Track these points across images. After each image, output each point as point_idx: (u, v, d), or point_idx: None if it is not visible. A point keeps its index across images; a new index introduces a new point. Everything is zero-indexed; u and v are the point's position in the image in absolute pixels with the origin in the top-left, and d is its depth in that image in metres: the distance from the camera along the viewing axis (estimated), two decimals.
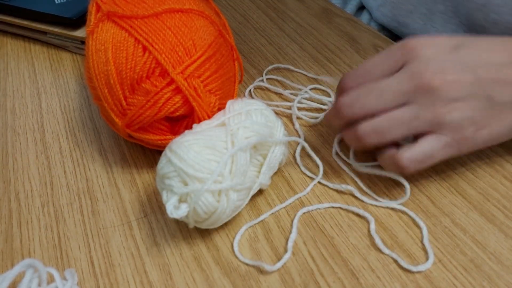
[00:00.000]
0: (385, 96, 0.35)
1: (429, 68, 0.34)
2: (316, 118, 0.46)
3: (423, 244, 0.35)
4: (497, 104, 0.35)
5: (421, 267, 0.33)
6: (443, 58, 0.35)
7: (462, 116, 0.35)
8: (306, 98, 0.49)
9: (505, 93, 0.35)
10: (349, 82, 0.38)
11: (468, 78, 0.35)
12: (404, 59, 0.36)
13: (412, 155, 0.35)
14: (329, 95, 0.49)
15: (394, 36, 0.65)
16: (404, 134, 0.36)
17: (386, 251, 0.34)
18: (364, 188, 0.39)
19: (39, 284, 0.32)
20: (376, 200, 0.38)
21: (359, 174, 0.41)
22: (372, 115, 0.36)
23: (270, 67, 0.54)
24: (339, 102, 0.37)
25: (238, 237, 0.36)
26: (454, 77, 0.34)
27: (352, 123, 0.37)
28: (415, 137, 0.36)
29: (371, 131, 0.36)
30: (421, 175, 0.40)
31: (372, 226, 0.36)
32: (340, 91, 0.38)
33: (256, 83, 0.52)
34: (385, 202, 0.38)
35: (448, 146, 0.35)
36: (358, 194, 0.39)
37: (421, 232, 0.36)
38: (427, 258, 0.34)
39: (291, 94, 0.50)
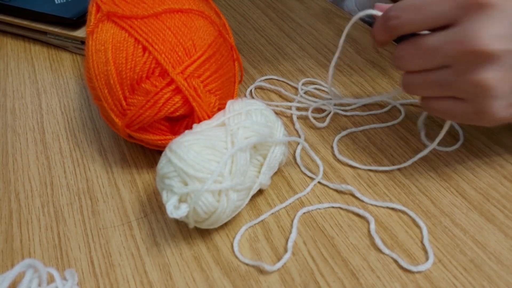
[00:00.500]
0: (430, 56, 0.34)
1: (478, 34, 0.31)
2: (323, 121, 0.46)
3: (423, 244, 0.35)
4: None
5: (421, 267, 0.33)
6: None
7: (501, 88, 0.32)
8: (305, 97, 0.49)
9: None
10: (400, 13, 0.35)
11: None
12: (465, 7, 0.32)
13: (431, 107, 0.36)
14: (326, 93, 0.49)
15: None
16: (439, 97, 0.35)
17: (386, 251, 0.34)
18: (365, 187, 0.39)
19: (39, 284, 0.32)
20: (376, 200, 0.38)
21: (359, 174, 0.41)
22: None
23: (264, 78, 0.54)
24: (395, 52, 0.36)
25: (238, 237, 0.36)
26: (501, 47, 0.31)
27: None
28: None
29: (410, 83, 0.36)
30: (421, 175, 0.40)
31: (372, 226, 0.36)
32: (390, 20, 0.35)
33: (257, 83, 0.52)
34: (385, 202, 0.38)
35: (468, 114, 0.34)
36: (358, 194, 0.39)
37: (421, 232, 0.36)
38: (427, 258, 0.34)
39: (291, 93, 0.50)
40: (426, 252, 0.34)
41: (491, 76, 0.32)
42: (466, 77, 0.32)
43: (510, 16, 0.31)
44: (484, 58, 0.31)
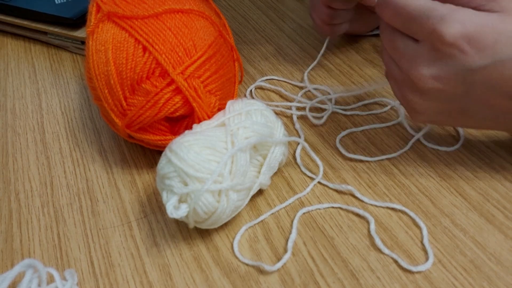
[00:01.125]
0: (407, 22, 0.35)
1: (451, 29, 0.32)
2: (320, 118, 0.46)
3: (423, 245, 0.35)
4: (468, 115, 0.36)
5: (421, 267, 0.33)
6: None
7: (424, 110, 0.36)
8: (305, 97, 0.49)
9: (483, 113, 0.35)
10: None
11: (458, 92, 0.34)
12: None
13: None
14: (328, 94, 0.49)
15: None
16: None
17: (386, 251, 0.34)
18: (365, 187, 0.39)
19: (39, 284, 0.32)
20: (376, 200, 0.38)
21: (359, 174, 0.41)
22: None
23: (263, 79, 0.54)
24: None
25: (238, 237, 0.36)
26: (445, 87, 0.34)
27: None
28: None
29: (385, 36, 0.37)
30: (421, 175, 0.40)
31: (372, 226, 0.36)
32: None
33: (257, 83, 0.52)
34: (385, 202, 0.38)
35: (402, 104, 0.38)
36: (358, 194, 0.39)
37: (421, 233, 0.36)
38: (427, 259, 0.34)
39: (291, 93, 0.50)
40: (426, 252, 0.34)
41: (417, 101, 0.36)
42: (402, 90, 0.36)
43: None
44: (417, 87, 0.35)
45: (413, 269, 0.33)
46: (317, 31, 0.54)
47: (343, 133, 0.45)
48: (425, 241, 0.35)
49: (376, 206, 0.38)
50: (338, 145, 0.43)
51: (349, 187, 0.39)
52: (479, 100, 0.34)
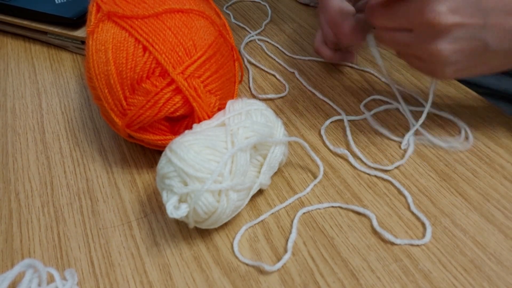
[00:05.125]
0: (396, 18, 0.38)
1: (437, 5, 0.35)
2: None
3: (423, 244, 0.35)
4: (489, 51, 0.36)
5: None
6: None
7: (451, 57, 0.37)
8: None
9: (502, 42, 0.36)
10: None
11: (476, 22, 0.35)
12: None
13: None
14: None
15: None
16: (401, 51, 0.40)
17: (398, 241, 0.35)
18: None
19: (39, 284, 0.32)
20: (376, 200, 0.38)
21: (359, 174, 0.41)
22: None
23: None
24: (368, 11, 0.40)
25: (238, 237, 0.36)
26: (464, 20, 0.35)
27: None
28: None
29: (384, 39, 0.40)
30: (421, 175, 0.40)
31: (375, 222, 0.36)
32: None
33: (251, 37, 0.52)
34: (385, 202, 0.38)
35: (422, 69, 0.40)
36: (351, 159, 0.41)
37: (421, 232, 0.36)
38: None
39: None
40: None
41: (443, 47, 0.36)
42: (423, 45, 0.37)
43: None
44: (437, 30, 0.35)
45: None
46: (327, 59, 0.52)
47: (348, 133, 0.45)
48: (425, 240, 0.35)
49: (376, 206, 0.38)
50: (338, 149, 0.43)
51: (345, 151, 0.42)
52: (497, 27, 0.35)
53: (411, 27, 0.37)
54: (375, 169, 0.41)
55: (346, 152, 0.42)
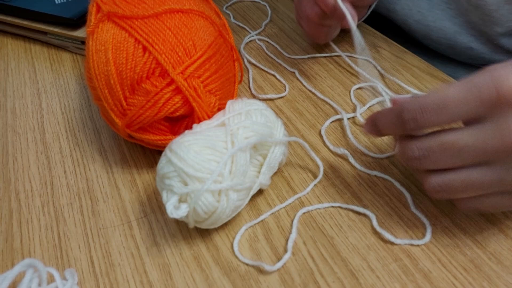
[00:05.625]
0: (464, 155, 0.30)
1: None
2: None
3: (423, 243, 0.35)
4: None
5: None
6: None
7: None
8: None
9: None
10: (418, 116, 0.31)
11: None
12: (493, 105, 0.29)
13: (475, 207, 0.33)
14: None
15: (382, 23, 0.64)
16: (480, 195, 0.32)
17: (398, 241, 0.35)
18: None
19: (39, 284, 0.32)
20: (376, 200, 0.38)
21: (359, 174, 0.41)
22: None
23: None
24: (406, 148, 0.32)
25: (238, 237, 0.36)
26: None
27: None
28: None
29: (442, 187, 0.32)
30: None
31: (375, 222, 0.36)
32: (406, 123, 0.31)
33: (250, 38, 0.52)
34: (385, 202, 0.38)
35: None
36: (351, 159, 0.41)
37: (421, 232, 0.36)
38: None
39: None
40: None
41: None
42: None
43: None
44: None
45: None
46: (307, 37, 0.50)
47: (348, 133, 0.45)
48: (425, 240, 0.35)
49: (376, 206, 0.38)
50: (338, 150, 0.43)
51: (345, 151, 0.42)
52: None
53: (487, 159, 0.30)
54: (375, 169, 0.41)
55: (346, 152, 0.42)
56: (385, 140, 0.44)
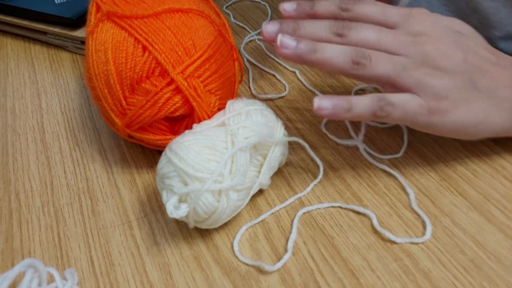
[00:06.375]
0: (385, 37, 0.36)
1: (426, 33, 0.36)
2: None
3: (423, 244, 0.35)
4: (475, 89, 0.36)
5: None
6: (441, 32, 0.37)
7: (444, 85, 0.35)
8: None
9: (484, 82, 0.37)
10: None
11: (459, 55, 0.36)
12: (403, 19, 0.37)
13: (391, 102, 0.35)
14: None
15: None
16: (388, 73, 0.36)
17: (398, 240, 0.35)
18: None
19: (39, 284, 0.32)
20: (376, 200, 0.38)
21: (359, 174, 0.41)
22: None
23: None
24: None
25: (238, 237, 0.36)
26: (447, 48, 0.36)
27: None
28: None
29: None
30: (421, 175, 0.40)
31: (375, 221, 0.36)
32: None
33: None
34: (385, 202, 0.38)
35: (420, 110, 0.35)
36: (363, 151, 0.42)
37: (421, 232, 0.36)
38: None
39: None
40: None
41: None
42: (418, 67, 0.36)
43: None
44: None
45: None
46: None
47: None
48: (425, 239, 0.35)
49: (376, 205, 0.38)
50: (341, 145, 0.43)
51: (357, 143, 0.42)
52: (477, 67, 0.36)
53: (401, 51, 0.37)
54: (377, 167, 0.41)
55: (357, 143, 0.43)
56: (385, 140, 0.44)
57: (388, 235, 0.35)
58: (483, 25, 0.53)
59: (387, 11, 0.38)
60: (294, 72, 0.54)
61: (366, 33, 0.36)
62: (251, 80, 0.53)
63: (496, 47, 0.55)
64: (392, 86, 0.36)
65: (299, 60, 0.36)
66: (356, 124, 0.46)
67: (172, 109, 0.38)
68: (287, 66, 0.55)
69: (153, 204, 0.39)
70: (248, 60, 0.56)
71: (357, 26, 0.36)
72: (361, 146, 0.43)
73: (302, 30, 0.37)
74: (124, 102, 0.39)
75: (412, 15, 0.37)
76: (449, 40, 0.37)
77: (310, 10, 0.39)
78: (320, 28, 0.37)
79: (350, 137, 0.44)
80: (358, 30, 0.36)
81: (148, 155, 0.44)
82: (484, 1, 0.50)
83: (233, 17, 0.65)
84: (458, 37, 0.37)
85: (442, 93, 0.35)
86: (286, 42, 0.36)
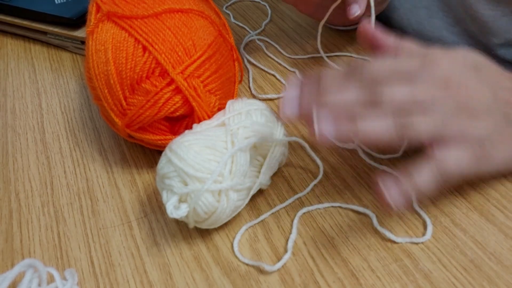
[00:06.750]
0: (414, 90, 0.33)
1: (453, 77, 0.34)
2: None
3: (423, 244, 0.35)
4: (510, 122, 0.35)
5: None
6: (464, 72, 0.35)
7: (485, 128, 0.34)
8: None
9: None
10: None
11: (488, 94, 0.35)
12: (423, 65, 0.34)
13: (445, 164, 0.33)
14: None
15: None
16: (430, 132, 0.33)
17: (399, 239, 0.35)
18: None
19: (39, 284, 0.32)
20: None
21: (359, 174, 0.41)
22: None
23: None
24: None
25: (238, 237, 0.36)
26: (475, 90, 0.34)
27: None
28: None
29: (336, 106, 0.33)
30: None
31: (375, 221, 0.36)
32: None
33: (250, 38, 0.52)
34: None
35: (471, 160, 0.34)
36: (362, 155, 0.41)
37: (425, 232, 0.36)
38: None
39: None
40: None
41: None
42: (455, 118, 0.34)
43: None
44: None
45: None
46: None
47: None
48: (425, 240, 0.35)
49: (376, 205, 0.38)
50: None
51: (355, 146, 0.42)
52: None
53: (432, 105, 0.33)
54: (377, 168, 0.41)
55: (355, 146, 0.43)
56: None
57: (388, 235, 0.35)
58: (482, 33, 0.53)
59: (404, 64, 0.35)
60: (294, 72, 0.54)
61: (399, 94, 0.33)
62: (251, 80, 0.53)
63: (495, 54, 0.55)
64: (434, 142, 0.34)
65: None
66: None
67: (172, 109, 0.38)
68: (287, 66, 0.55)
69: (153, 204, 0.39)
70: (248, 60, 0.56)
71: (387, 91, 0.33)
72: (360, 150, 0.42)
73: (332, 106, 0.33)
74: (124, 102, 0.39)
75: (429, 60, 0.34)
76: (473, 80, 0.35)
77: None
78: (350, 101, 0.33)
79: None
80: (390, 93, 0.33)
81: (148, 155, 0.44)
82: (483, 10, 0.50)
83: (233, 17, 0.65)
84: (479, 74, 0.35)
85: (484, 137, 0.34)
86: (324, 129, 0.32)
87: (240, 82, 0.48)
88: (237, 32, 0.62)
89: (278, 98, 0.50)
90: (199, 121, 0.39)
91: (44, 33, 0.60)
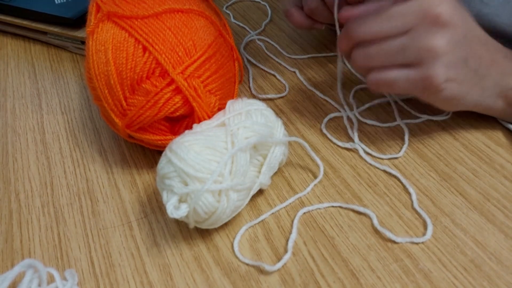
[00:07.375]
0: (391, 21, 0.37)
1: (440, 3, 0.36)
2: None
3: (423, 244, 0.35)
4: (469, 68, 0.38)
5: (422, 267, 0.33)
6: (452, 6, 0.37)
7: (446, 60, 0.36)
8: None
9: (478, 63, 0.38)
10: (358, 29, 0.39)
11: (462, 31, 0.37)
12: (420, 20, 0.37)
13: (379, 78, 0.38)
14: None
15: None
16: (389, 63, 0.38)
17: (399, 239, 0.35)
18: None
19: (39, 284, 0.32)
20: (376, 200, 0.38)
21: (360, 174, 0.41)
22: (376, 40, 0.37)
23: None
24: (349, 25, 0.39)
25: (238, 237, 0.36)
26: (456, 21, 0.36)
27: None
28: None
29: (362, 56, 0.39)
30: (421, 175, 0.40)
31: (375, 221, 0.36)
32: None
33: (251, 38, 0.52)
34: (385, 202, 0.38)
35: (413, 81, 0.37)
36: (362, 154, 0.42)
37: (425, 232, 0.36)
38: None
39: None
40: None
41: (441, 43, 0.36)
42: (420, 43, 0.36)
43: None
44: (440, 24, 0.36)
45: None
46: (294, 23, 0.51)
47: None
48: (425, 239, 0.35)
49: (376, 205, 0.38)
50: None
51: (356, 145, 0.43)
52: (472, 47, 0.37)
53: (410, 26, 0.36)
54: (377, 167, 0.41)
55: (356, 146, 0.43)
56: (386, 140, 0.44)
57: (389, 235, 0.35)
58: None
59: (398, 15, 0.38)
60: (294, 72, 0.54)
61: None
62: (251, 80, 0.53)
63: None
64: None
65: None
66: (355, 124, 0.46)
67: (172, 109, 0.38)
68: (287, 66, 0.55)
69: (153, 205, 0.39)
70: (248, 60, 0.56)
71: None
72: (361, 149, 0.42)
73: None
74: (124, 103, 0.39)
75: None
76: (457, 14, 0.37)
77: None
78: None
79: (349, 137, 0.44)
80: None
81: (148, 155, 0.44)
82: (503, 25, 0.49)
83: (233, 17, 0.65)
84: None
85: (440, 66, 0.37)
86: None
87: (240, 82, 0.48)
88: (237, 32, 0.62)
89: (278, 98, 0.50)
90: (199, 121, 0.39)
91: (44, 33, 0.60)
